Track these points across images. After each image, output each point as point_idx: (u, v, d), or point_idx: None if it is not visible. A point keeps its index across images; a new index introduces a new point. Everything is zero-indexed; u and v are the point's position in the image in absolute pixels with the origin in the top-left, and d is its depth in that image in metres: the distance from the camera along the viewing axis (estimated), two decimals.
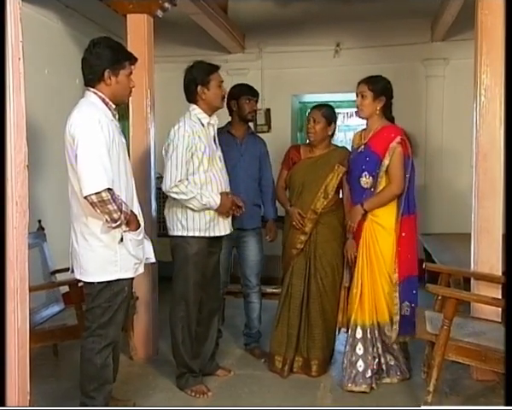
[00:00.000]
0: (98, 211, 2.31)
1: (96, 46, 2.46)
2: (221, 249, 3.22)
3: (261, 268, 3.61)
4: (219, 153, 3.09)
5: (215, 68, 3.04)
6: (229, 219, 3.09)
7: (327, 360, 3.30)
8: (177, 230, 3.00)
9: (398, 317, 3.02)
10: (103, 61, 2.43)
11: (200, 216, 2.96)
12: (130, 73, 2.54)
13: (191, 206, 2.92)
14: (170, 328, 3.09)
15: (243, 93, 3.52)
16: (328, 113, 3.31)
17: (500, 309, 3.05)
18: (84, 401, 2.54)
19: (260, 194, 3.62)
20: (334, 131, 3.37)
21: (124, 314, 2.57)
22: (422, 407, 2.66)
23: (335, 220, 3.27)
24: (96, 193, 2.26)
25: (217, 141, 3.10)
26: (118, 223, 2.35)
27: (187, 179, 2.90)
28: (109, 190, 2.30)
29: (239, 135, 3.52)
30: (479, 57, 3.09)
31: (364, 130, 3.22)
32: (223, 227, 3.05)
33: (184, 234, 2.97)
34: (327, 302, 3.23)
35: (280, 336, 3.27)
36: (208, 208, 2.93)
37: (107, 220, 2.34)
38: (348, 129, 6.36)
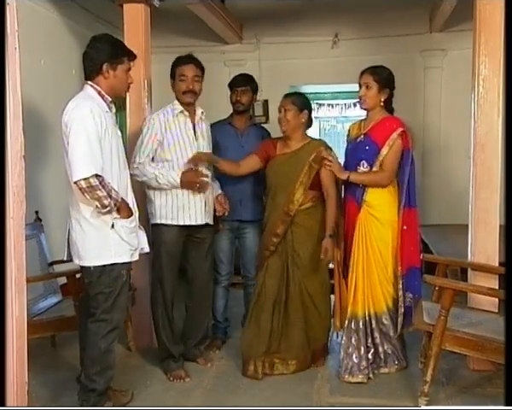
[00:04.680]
0: (88, 197, 2.39)
1: (96, 41, 2.57)
2: (210, 240, 3.25)
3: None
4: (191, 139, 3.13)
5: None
6: (203, 208, 3.10)
7: (308, 360, 3.17)
8: (152, 218, 3.12)
9: (402, 309, 3.02)
10: (102, 55, 2.53)
11: (168, 204, 3.05)
12: (129, 69, 2.63)
13: (154, 186, 3.03)
14: (151, 314, 3.22)
15: (231, 84, 3.54)
16: (298, 100, 3.15)
17: (497, 300, 3.07)
18: (85, 384, 2.60)
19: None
20: (310, 120, 3.21)
21: (126, 299, 2.64)
22: (422, 408, 2.68)
23: (311, 220, 3.12)
24: (85, 179, 2.35)
25: (195, 128, 3.15)
26: (107, 209, 2.42)
27: (152, 160, 3.04)
28: (98, 176, 2.37)
29: (239, 126, 3.51)
30: (477, 47, 3.08)
31: (364, 120, 3.20)
32: (193, 217, 3.08)
33: (157, 222, 3.09)
34: (310, 303, 3.12)
35: (250, 338, 3.13)
36: (175, 187, 3.01)
37: (97, 206, 2.41)
38: (346, 120, 6.35)
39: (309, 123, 3.22)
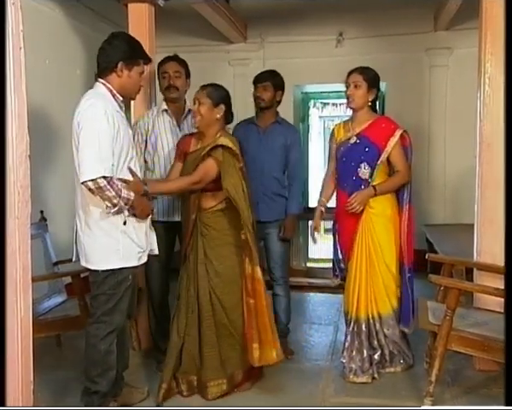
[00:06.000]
0: (98, 197, 2.37)
1: (115, 38, 2.54)
2: None
3: (284, 260, 3.47)
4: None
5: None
6: (177, 207, 3.18)
7: (233, 381, 2.87)
8: None
9: (412, 304, 3.06)
10: (119, 53, 2.50)
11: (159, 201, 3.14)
12: (143, 72, 2.61)
13: None
14: None
15: (254, 80, 3.48)
16: (214, 92, 2.80)
17: (503, 299, 3.05)
18: (87, 386, 2.58)
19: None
20: (229, 114, 2.90)
21: (128, 302, 2.61)
22: (423, 408, 2.67)
23: (225, 223, 2.84)
24: (92, 180, 2.32)
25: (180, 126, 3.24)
26: (116, 208, 2.39)
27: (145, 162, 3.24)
28: (105, 177, 2.34)
29: (261, 124, 3.45)
30: (483, 46, 3.07)
31: (349, 121, 3.18)
32: (171, 214, 3.20)
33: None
34: (225, 320, 2.82)
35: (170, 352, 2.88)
36: None
37: (107, 206, 2.39)
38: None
39: (227, 118, 2.91)
